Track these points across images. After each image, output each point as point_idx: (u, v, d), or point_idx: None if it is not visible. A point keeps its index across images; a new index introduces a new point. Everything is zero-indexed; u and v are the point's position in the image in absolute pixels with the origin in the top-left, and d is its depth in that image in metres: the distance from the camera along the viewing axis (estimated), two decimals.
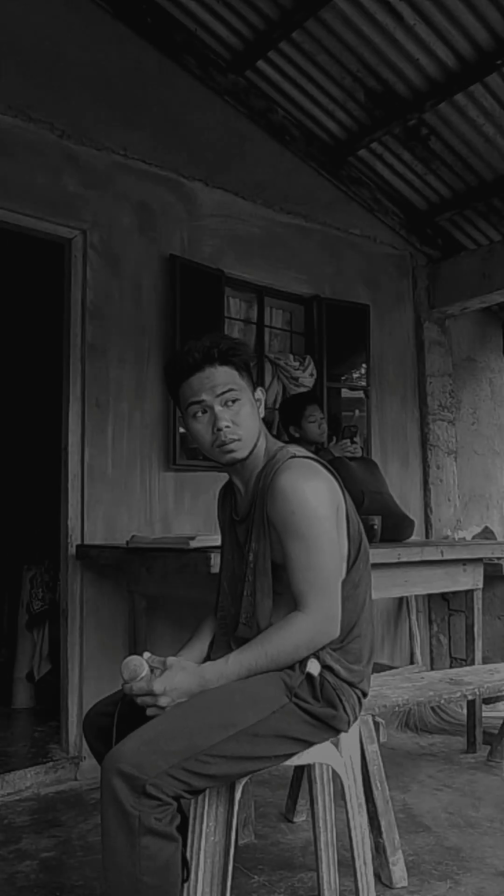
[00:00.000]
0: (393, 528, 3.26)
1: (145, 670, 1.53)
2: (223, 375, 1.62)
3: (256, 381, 1.79)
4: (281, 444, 1.72)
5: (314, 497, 1.56)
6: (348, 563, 1.66)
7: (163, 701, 1.49)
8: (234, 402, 1.62)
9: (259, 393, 1.71)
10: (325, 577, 1.54)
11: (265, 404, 1.77)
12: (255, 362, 1.74)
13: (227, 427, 1.60)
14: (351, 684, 1.62)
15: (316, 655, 1.58)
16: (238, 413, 1.62)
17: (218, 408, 1.61)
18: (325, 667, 1.58)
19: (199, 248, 3.73)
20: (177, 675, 1.51)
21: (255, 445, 1.66)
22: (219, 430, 1.61)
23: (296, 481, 1.56)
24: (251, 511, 1.67)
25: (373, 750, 2.20)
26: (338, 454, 3.58)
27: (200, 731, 1.45)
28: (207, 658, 1.76)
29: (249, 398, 1.65)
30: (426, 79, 3.66)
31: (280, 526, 1.57)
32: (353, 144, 4.17)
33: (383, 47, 3.51)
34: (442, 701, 2.54)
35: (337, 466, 3.25)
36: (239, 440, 1.62)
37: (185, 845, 1.53)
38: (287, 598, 1.59)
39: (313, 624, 1.53)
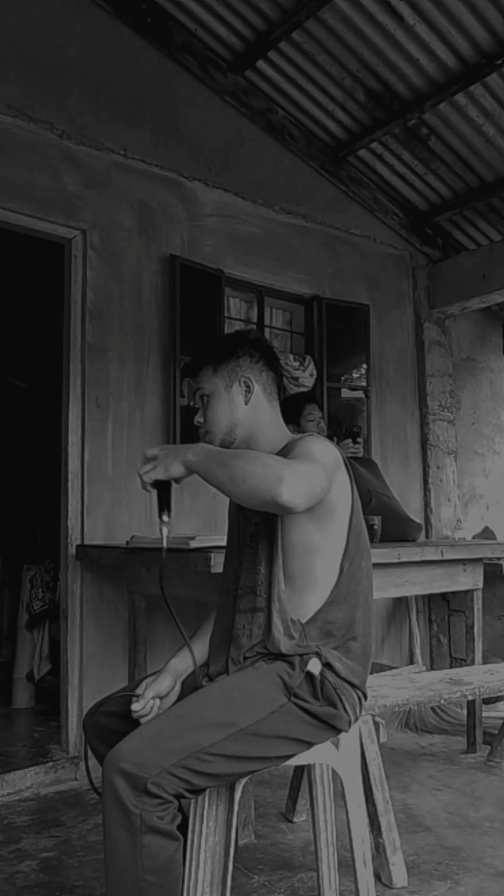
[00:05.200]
0: (399, 531, 3.26)
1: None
2: (199, 377, 1.78)
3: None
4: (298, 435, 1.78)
5: (325, 445, 1.63)
6: (345, 551, 1.65)
7: (158, 454, 1.54)
8: (203, 398, 1.76)
9: (240, 386, 1.74)
10: (304, 467, 1.51)
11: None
12: (246, 355, 1.77)
13: (198, 422, 1.78)
14: (352, 684, 1.62)
15: (317, 654, 1.57)
16: (207, 408, 1.76)
17: (197, 405, 1.79)
18: (326, 664, 1.58)
19: (198, 248, 3.73)
20: (169, 447, 1.58)
21: (233, 435, 1.73)
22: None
23: (311, 440, 1.64)
24: None
25: (373, 750, 2.20)
26: None
27: (200, 730, 1.45)
28: (206, 659, 1.76)
29: (220, 392, 1.74)
30: (426, 79, 3.66)
31: None
32: (353, 144, 4.17)
33: (383, 47, 3.51)
34: (442, 701, 2.54)
35: None
36: (207, 432, 1.76)
37: (184, 845, 1.53)
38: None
39: (277, 466, 1.45)
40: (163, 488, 1.59)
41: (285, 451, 1.66)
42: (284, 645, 1.58)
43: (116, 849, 1.36)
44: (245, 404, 1.73)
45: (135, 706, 1.62)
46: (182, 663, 1.75)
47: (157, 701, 1.65)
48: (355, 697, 1.63)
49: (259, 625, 1.62)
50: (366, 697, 1.69)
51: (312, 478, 1.52)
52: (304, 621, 1.61)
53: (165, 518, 1.60)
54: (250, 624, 1.64)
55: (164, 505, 1.60)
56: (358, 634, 1.65)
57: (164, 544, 1.61)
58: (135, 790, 1.36)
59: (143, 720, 1.59)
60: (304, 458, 1.56)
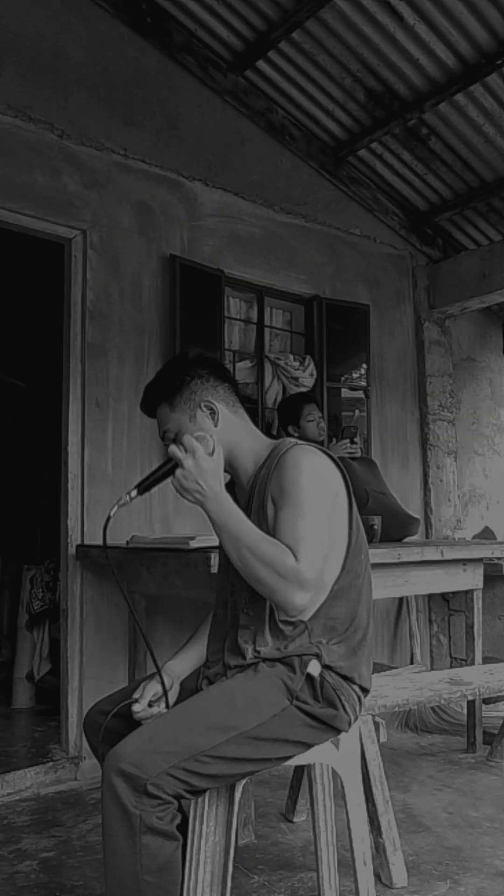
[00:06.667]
0: (398, 527, 3.26)
1: (211, 446, 1.61)
2: (159, 417, 1.74)
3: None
4: (278, 440, 1.75)
5: (314, 473, 1.60)
6: (347, 550, 1.65)
7: (187, 462, 1.53)
8: (173, 438, 1.70)
9: (203, 411, 1.69)
10: (311, 545, 1.51)
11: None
12: (195, 377, 1.74)
13: None
14: (350, 679, 1.62)
15: (317, 655, 1.57)
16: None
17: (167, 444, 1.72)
18: (325, 666, 1.58)
19: (199, 248, 3.73)
20: (211, 466, 1.55)
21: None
22: None
23: (300, 456, 1.61)
24: (249, 501, 1.68)
25: (373, 750, 2.20)
26: (337, 455, 3.58)
27: (200, 732, 1.45)
28: (205, 660, 1.76)
29: (186, 426, 1.68)
30: (426, 79, 3.66)
31: (277, 495, 1.59)
32: (353, 144, 4.17)
33: (383, 47, 3.51)
34: (442, 701, 2.54)
35: None
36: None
37: (184, 846, 1.53)
38: None
39: (293, 575, 1.47)
40: (166, 470, 1.60)
41: (268, 465, 1.64)
42: (276, 654, 1.58)
43: (116, 849, 1.36)
44: (215, 426, 1.69)
45: (136, 707, 1.62)
46: (181, 665, 1.76)
47: (161, 706, 1.65)
48: (355, 696, 1.63)
49: (246, 640, 1.62)
50: (366, 692, 1.69)
51: (315, 556, 1.51)
52: (306, 619, 1.61)
53: (133, 493, 1.61)
54: (235, 641, 1.63)
55: (148, 484, 1.62)
56: (360, 627, 1.66)
57: (111, 512, 1.59)
58: (134, 791, 1.36)
59: (143, 722, 1.59)
60: (295, 519, 1.53)
